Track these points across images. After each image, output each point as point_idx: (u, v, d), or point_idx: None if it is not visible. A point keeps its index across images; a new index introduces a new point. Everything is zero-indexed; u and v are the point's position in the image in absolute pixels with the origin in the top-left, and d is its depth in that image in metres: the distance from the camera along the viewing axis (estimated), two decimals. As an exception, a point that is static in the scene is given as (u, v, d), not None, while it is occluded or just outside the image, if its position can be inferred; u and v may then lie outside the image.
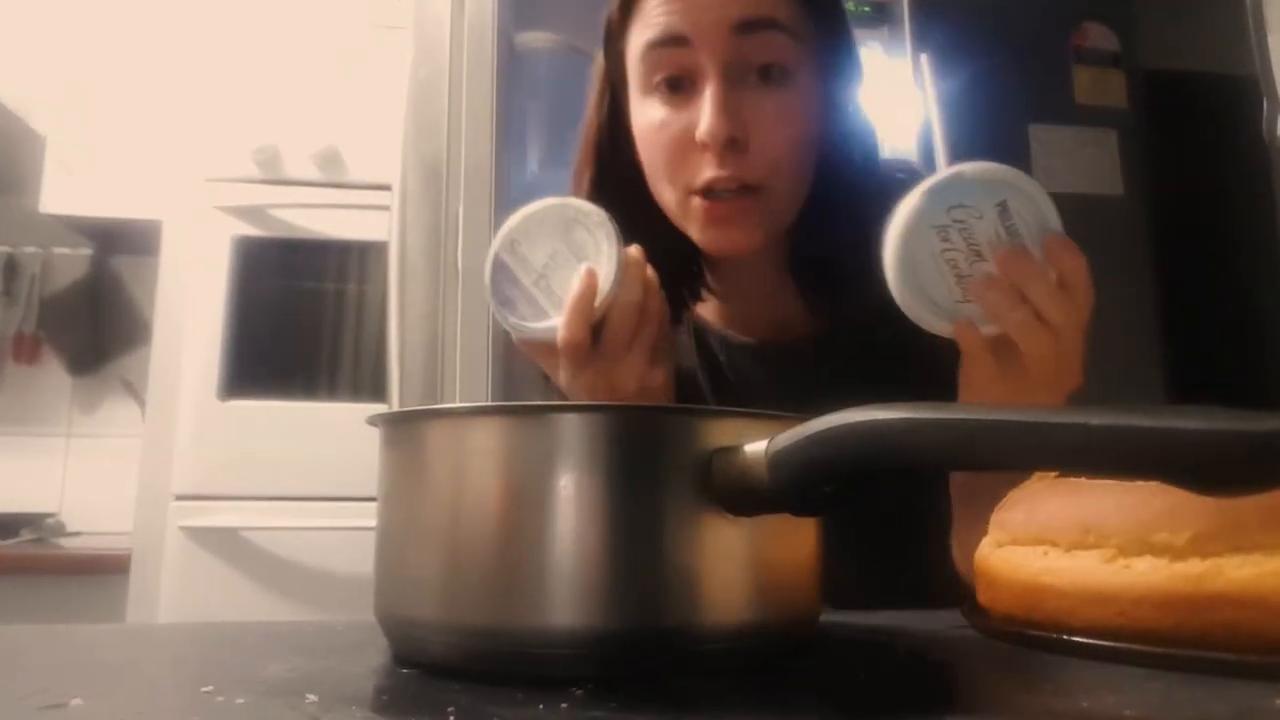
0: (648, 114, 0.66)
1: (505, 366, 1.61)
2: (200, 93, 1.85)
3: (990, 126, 1.69)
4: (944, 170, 0.55)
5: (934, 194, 0.54)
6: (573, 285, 0.59)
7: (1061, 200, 0.54)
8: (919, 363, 0.60)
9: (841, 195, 0.68)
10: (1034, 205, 0.54)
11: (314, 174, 1.84)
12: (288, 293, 1.82)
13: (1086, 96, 1.87)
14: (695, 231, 0.67)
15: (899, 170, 0.78)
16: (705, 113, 0.62)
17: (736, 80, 0.63)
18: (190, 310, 1.76)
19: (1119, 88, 1.89)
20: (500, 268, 0.62)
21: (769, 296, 0.74)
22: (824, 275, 0.71)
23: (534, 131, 1.83)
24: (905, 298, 0.55)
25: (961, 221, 0.53)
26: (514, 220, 0.63)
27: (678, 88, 0.65)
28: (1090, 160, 1.83)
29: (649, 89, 0.66)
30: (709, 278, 0.75)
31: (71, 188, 1.98)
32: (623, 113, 0.70)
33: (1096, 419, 0.27)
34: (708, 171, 0.63)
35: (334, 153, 1.84)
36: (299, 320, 1.81)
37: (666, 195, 0.68)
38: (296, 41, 1.89)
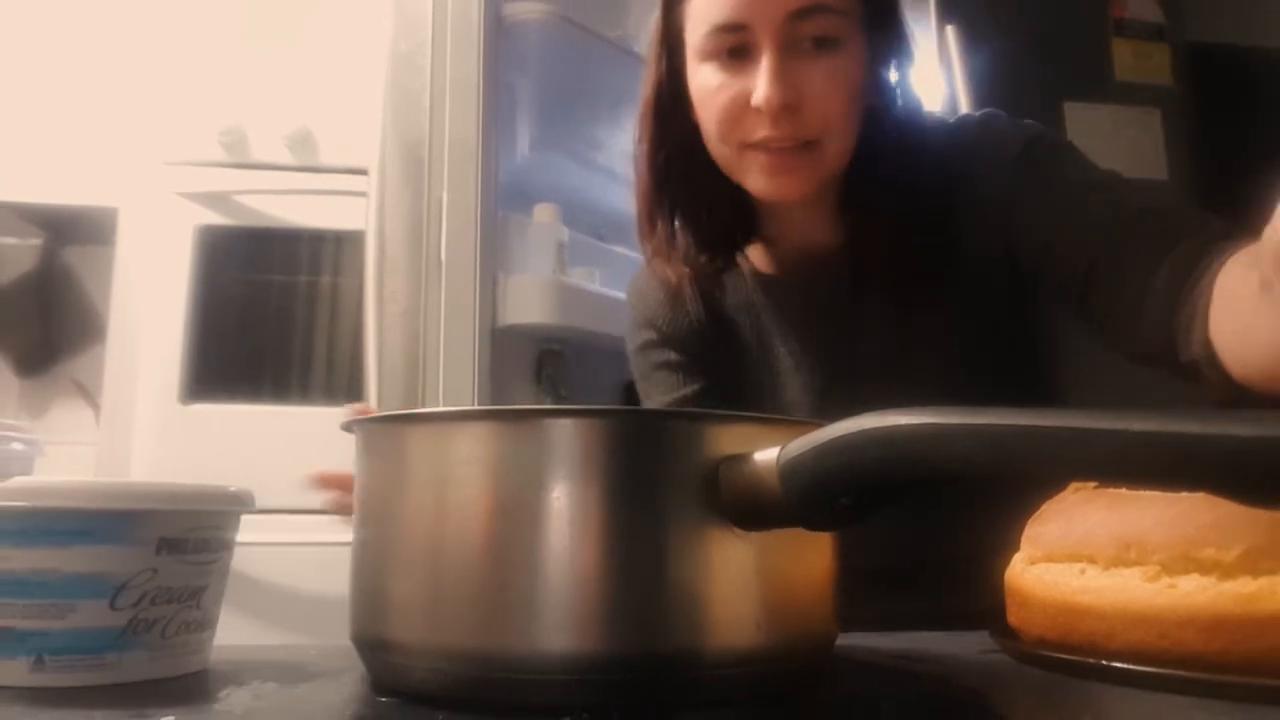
0: (705, 77, 0.77)
1: (492, 367, 1.61)
2: (160, 68, 1.85)
3: (1021, 105, 1.68)
4: None
5: None
6: None
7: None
8: (955, 282, 0.78)
9: (886, 143, 0.80)
10: None
11: (284, 157, 1.83)
12: (256, 286, 1.81)
13: (1127, 72, 1.87)
14: (751, 180, 0.78)
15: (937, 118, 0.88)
16: (761, 81, 0.73)
17: (790, 50, 0.74)
18: (149, 305, 1.75)
19: (1163, 63, 1.89)
20: None
21: (806, 231, 0.85)
22: (870, 211, 0.82)
23: (524, 110, 1.82)
24: None
25: None
26: None
27: (735, 55, 0.75)
28: (1130, 142, 1.83)
29: (707, 56, 0.77)
30: (757, 222, 0.87)
31: (18, 172, 1.98)
32: (680, 72, 0.81)
33: (1139, 424, 0.27)
34: (762, 131, 0.74)
35: (306, 134, 1.83)
36: (268, 317, 1.81)
37: (721, 151, 0.79)
38: (266, 12, 1.88)
